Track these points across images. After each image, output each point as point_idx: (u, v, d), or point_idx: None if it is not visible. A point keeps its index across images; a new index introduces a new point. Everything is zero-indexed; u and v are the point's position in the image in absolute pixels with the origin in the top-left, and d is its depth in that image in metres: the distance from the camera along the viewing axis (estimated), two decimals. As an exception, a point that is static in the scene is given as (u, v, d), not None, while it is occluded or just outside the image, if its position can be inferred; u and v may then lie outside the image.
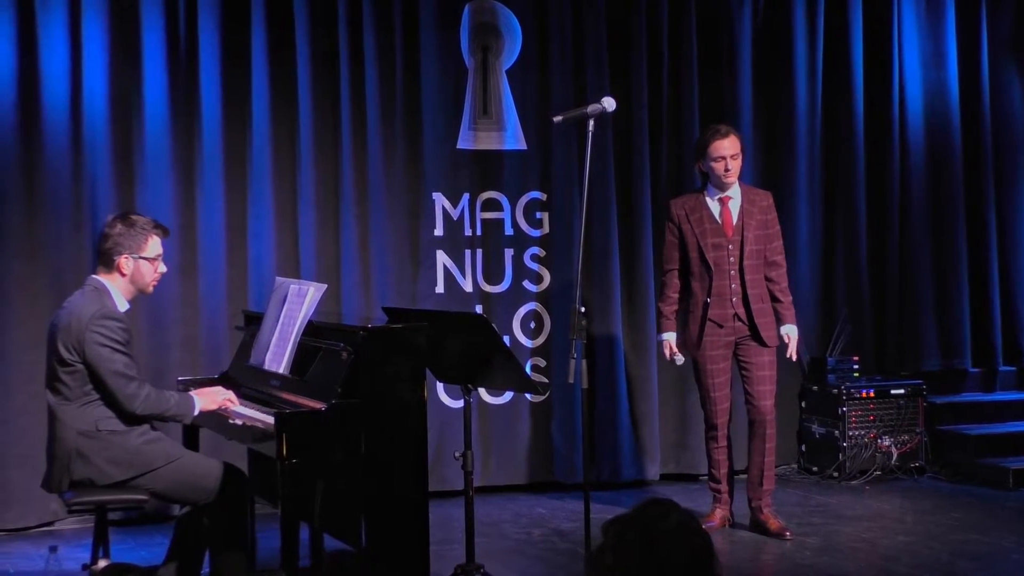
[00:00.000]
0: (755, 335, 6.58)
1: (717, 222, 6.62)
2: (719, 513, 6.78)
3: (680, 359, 6.78)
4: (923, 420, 8.22)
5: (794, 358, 6.80)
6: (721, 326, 6.57)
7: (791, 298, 6.77)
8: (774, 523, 6.62)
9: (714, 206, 6.64)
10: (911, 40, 8.72)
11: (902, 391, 8.21)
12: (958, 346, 8.80)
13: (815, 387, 8.36)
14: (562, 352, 7.77)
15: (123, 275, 5.23)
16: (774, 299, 6.68)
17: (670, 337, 6.75)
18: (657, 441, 8.09)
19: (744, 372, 6.65)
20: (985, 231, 8.89)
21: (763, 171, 8.45)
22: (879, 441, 8.09)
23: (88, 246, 7.00)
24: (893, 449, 8.11)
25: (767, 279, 6.67)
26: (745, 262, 6.57)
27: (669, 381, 8.17)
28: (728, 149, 6.54)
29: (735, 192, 6.66)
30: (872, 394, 8.14)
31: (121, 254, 5.21)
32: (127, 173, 7.26)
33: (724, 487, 6.77)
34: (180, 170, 7.34)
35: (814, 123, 8.54)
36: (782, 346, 6.76)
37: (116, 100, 7.23)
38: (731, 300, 6.56)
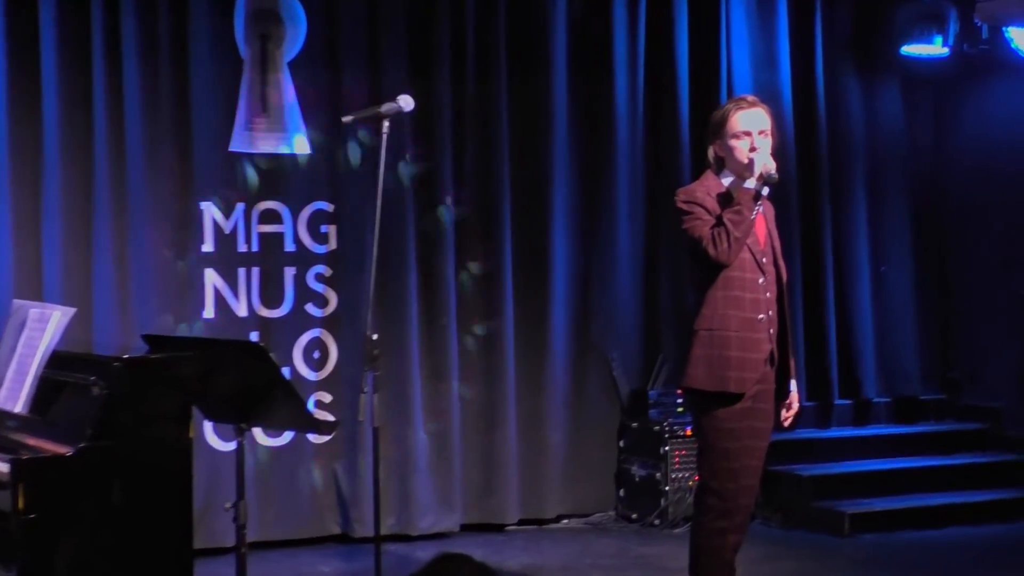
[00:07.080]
0: (777, 388, 5.38)
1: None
2: None
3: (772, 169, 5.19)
4: (753, 460, 8.30)
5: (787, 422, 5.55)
6: (755, 368, 5.28)
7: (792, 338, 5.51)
8: None
9: None
10: (740, 38, 8.96)
11: (730, 428, 8.28)
12: (790, 378, 8.95)
13: (635, 423, 8.41)
14: (351, 385, 7.74)
15: None
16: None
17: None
18: (459, 486, 8.10)
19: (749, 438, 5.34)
20: (821, 254, 9.11)
21: (581, 174, 8.51)
22: (705, 484, 8.14)
23: None
24: (720, 492, 8.16)
25: None
26: (783, 282, 5.39)
27: (471, 418, 8.19)
28: (755, 123, 5.28)
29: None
30: (697, 431, 8.20)
31: None
32: None
33: None
34: None
35: (636, 123, 8.66)
36: None
37: None
38: (768, 332, 5.29)
